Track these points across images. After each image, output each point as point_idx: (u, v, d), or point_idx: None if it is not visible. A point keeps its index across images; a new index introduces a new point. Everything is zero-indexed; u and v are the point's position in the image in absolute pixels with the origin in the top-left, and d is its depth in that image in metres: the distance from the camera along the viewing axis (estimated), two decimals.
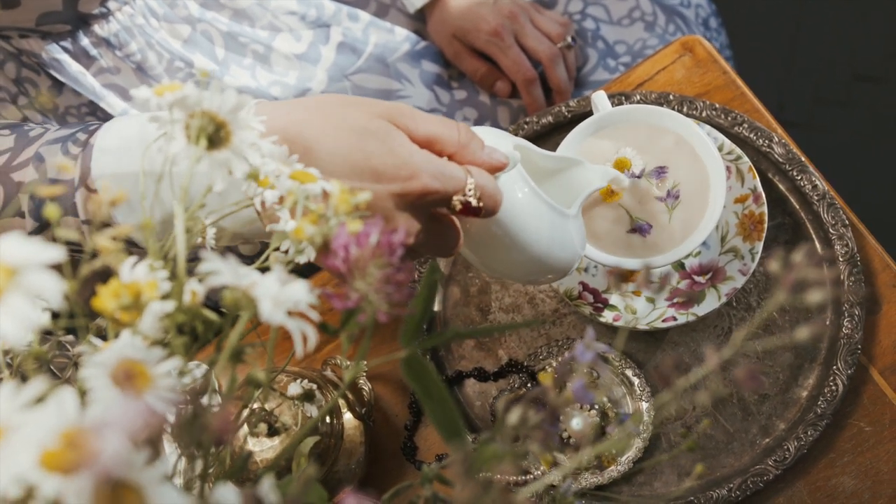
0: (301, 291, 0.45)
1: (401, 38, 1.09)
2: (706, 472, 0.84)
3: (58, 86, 0.94)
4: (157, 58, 0.95)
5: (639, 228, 0.83)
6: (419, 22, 1.13)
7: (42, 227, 0.65)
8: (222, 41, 0.99)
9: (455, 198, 0.62)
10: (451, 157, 0.64)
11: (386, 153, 0.60)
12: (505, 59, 1.08)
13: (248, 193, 0.54)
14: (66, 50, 0.91)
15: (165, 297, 0.47)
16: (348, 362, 0.85)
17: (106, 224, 0.64)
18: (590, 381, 0.86)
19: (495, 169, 0.65)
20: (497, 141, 0.68)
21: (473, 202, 0.63)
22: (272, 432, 0.75)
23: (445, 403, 0.46)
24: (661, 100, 0.91)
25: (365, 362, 0.86)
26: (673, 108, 0.90)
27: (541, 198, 0.68)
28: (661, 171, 0.82)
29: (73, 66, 0.92)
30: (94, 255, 0.46)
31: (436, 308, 0.91)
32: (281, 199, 0.53)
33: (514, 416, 0.43)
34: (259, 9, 1.00)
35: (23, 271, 0.35)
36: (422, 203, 0.61)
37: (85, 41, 0.92)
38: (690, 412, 0.85)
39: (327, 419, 0.81)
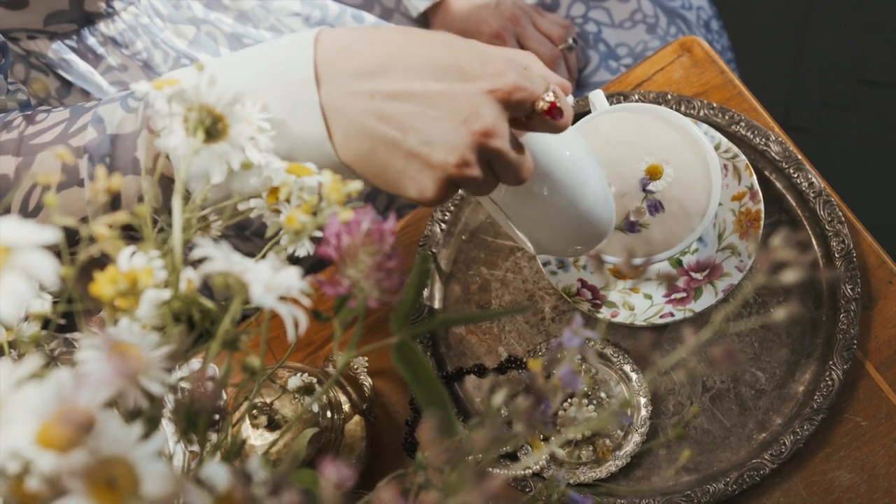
0: (293, 277, 0.46)
1: None
2: (704, 465, 0.85)
3: (66, 86, 0.95)
4: (162, 56, 0.96)
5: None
6: (422, 25, 1.14)
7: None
8: (226, 42, 1.00)
9: (542, 97, 0.61)
10: None
11: (471, 54, 0.60)
12: None
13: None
14: (73, 49, 0.93)
15: (164, 284, 0.48)
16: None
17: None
18: (588, 379, 0.87)
19: (563, 88, 0.65)
20: None
21: (559, 102, 0.61)
22: (273, 426, 0.76)
23: (435, 388, 0.47)
24: (660, 99, 0.92)
25: (366, 358, 0.88)
26: (671, 108, 0.91)
27: (589, 150, 0.68)
28: (655, 207, 0.83)
29: (82, 66, 0.94)
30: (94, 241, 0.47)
31: (436, 305, 0.93)
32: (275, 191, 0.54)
33: (498, 398, 0.44)
34: (262, 10, 1.01)
35: (18, 251, 0.36)
36: (510, 101, 0.60)
37: (91, 40, 0.93)
38: (688, 407, 0.86)
39: (328, 414, 0.82)
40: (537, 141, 0.67)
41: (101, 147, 0.64)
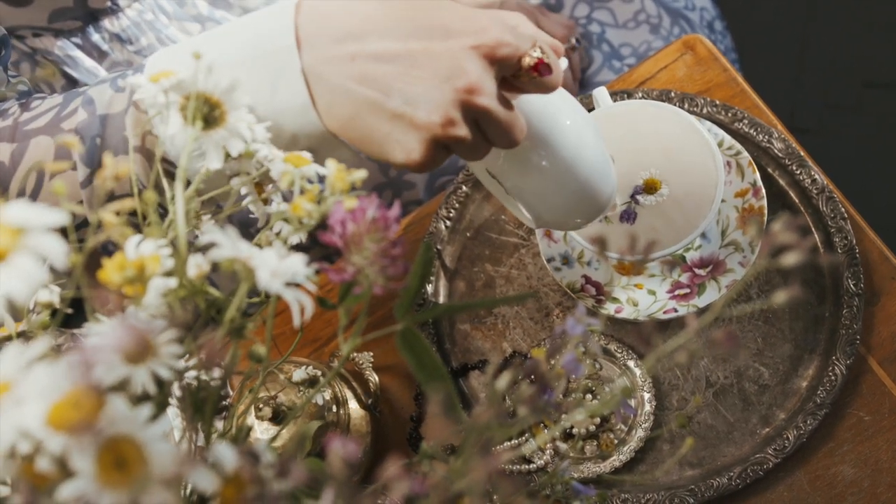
0: (298, 264, 0.47)
1: None
2: (707, 460, 0.85)
3: (72, 83, 0.96)
4: None
5: None
6: None
7: (94, 174, 0.65)
8: None
9: (528, 53, 0.60)
10: None
11: (454, 12, 0.59)
12: None
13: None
14: (78, 47, 0.94)
15: (169, 273, 0.48)
16: (355, 354, 0.87)
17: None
18: (592, 373, 0.87)
19: (555, 50, 0.63)
20: None
21: (546, 59, 0.60)
22: (278, 419, 0.77)
23: (439, 372, 0.47)
24: (663, 97, 0.92)
25: (371, 354, 0.88)
26: (674, 105, 0.91)
27: (590, 121, 0.67)
28: (628, 216, 0.84)
29: (87, 62, 0.95)
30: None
31: (441, 302, 0.93)
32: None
33: (503, 382, 0.45)
34: None
35: (29, 233, 0.37)
36: (495, 57, 0.59)
37: (96, 37, 0.94)
38: (691, 404, 0.86)
39: (333, 408, 0.82)
40: (536, 107, 0.65)
41: (91, 127, 0.64)
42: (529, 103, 0.65)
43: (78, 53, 0.94)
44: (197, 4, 0.98)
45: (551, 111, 0.66)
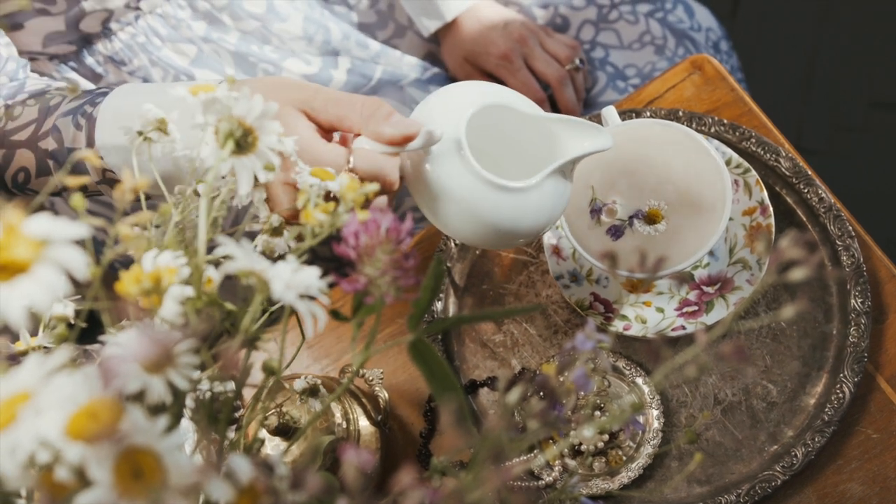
0: (312, 277, 0.47)
1: (408, 67, 1.12)
2: (716, 477, 0.85)
3: None
4: (161, 74, 0.99)
5: (597, 209, 0.88)
6: (433, 45, 1.16)
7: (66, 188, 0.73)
8: (231, 60, 1.02)
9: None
10: (359, 133, 0.67)
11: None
12: (514, 82, 1.11)
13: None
14: (74, 70, 0.96)
15: (184, 283, 0.49)
16: (365, 371, 0.87)
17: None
18: (601, 389, 0.88)
19: (402, 140, 0.66)
20: (459, 102, 0.70)
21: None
22: (283, 431, 0.77)
23: (449, 380, 0.48)
24: (671, 116, 0.93)
25: (381, 371, 0.89)
26: (682, 124, 0.92)
27: (480, 177, 0.68)
28: (616, 231, 0.85)
29: (83, 83, 0.97)
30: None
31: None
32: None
33: (513, 396, 0.45)
34: (266, 32, 1.03)
35: (51, 246, 0.37)
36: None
37: (90, 60, 0.96)
38: (700, 420, 0.87)
39: (343, 424, 0.83)
40: (440, 168, 0.69)
41: (62, 155, 0.74)
42: (434, 163, 0.69)
43: (73, 75, 0.96)
44: (192, 27, 1.00)
45: (453, 182, 0.69)
